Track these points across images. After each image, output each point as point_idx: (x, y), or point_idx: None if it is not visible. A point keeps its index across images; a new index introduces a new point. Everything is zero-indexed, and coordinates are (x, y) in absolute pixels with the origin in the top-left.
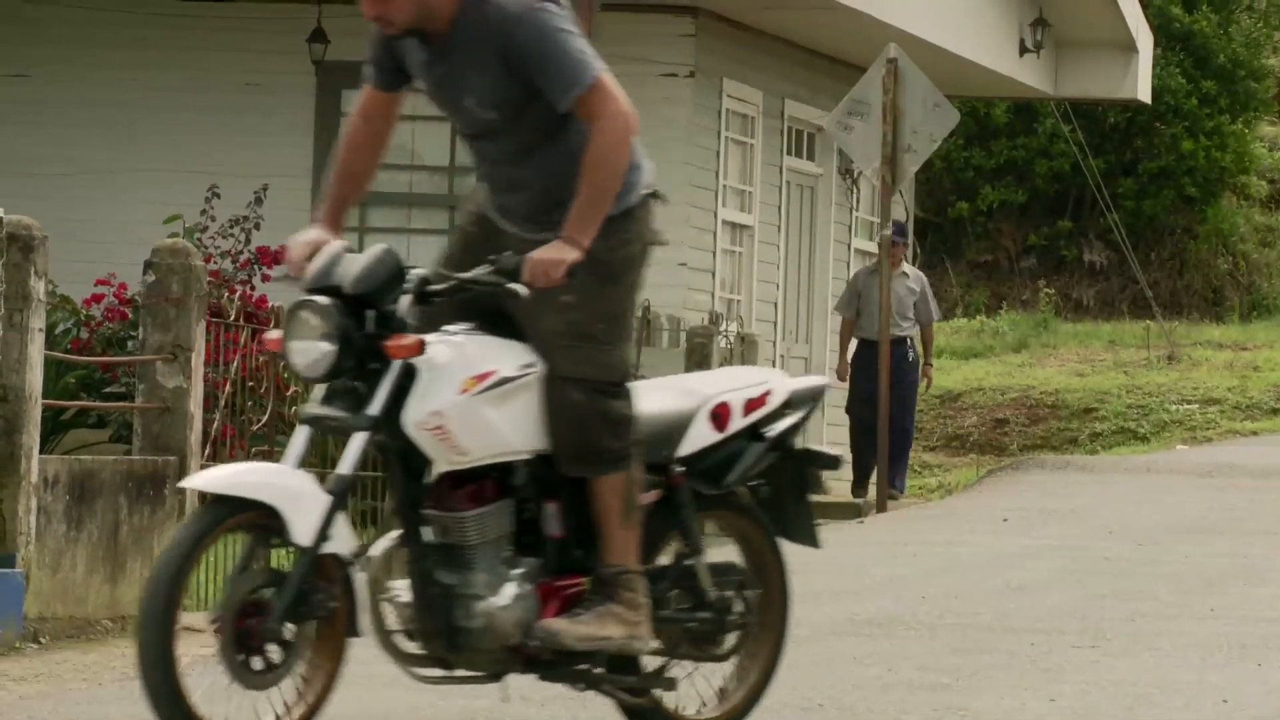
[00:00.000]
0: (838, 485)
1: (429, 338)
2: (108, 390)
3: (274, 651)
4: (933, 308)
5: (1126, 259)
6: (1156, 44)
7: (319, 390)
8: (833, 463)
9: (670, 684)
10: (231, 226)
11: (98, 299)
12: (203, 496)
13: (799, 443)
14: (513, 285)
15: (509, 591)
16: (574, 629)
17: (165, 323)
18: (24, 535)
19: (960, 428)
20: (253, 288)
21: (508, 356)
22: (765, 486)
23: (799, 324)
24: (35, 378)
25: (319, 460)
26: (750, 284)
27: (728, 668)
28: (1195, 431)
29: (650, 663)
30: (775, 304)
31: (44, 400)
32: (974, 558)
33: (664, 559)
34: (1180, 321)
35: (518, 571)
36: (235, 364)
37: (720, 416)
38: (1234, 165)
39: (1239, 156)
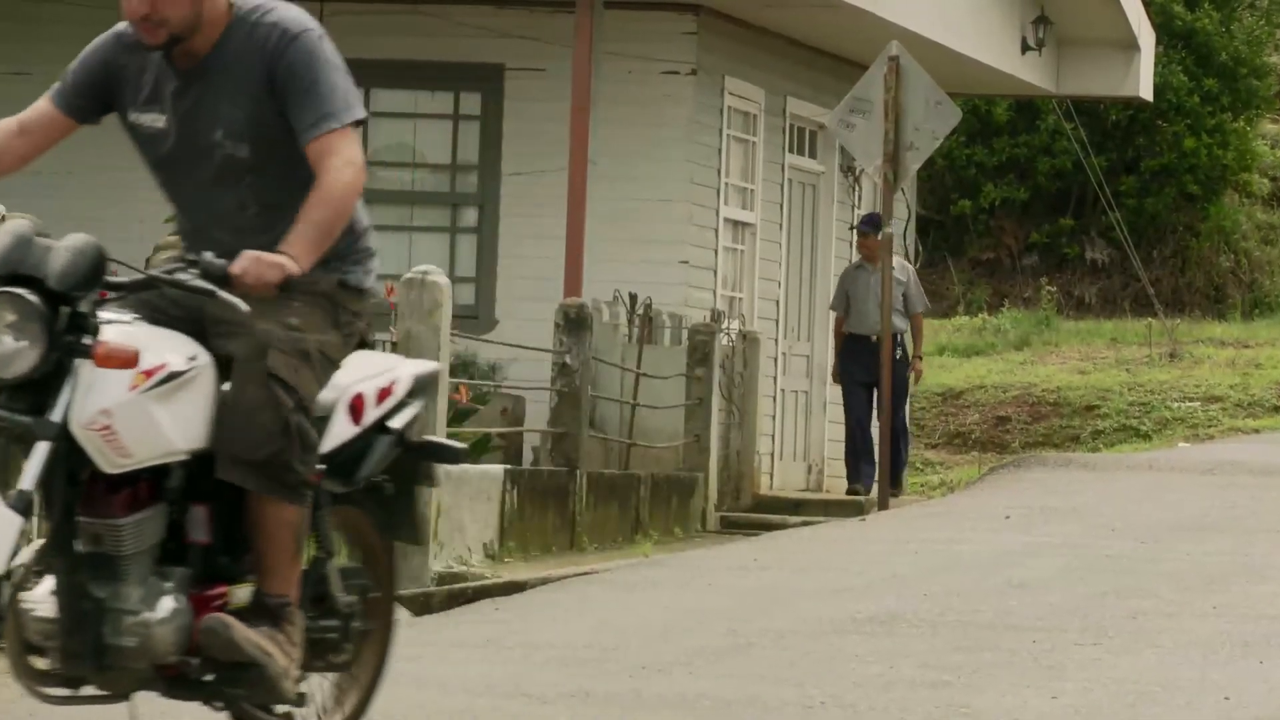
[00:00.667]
0: (837, 484)
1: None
2: None
3: None
4: (921, 298)
5: (1128, 256)
6: (1158, 41)
7: None
8: (456, 455)
9: (303, 700)
10: None
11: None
12: None
13: (419, 434)
14: (230, 297)
15: (166, 605)
16: (247, 631)
17: None
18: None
19: (962, 425)
20: None
21: (175, 347)
22: (389, 482)
23: (801, 322)
24: None
25: None
26: (752, 282)
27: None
28: (1197, 429)
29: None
30: (777, 302)
31: None
32: (976, 555)
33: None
34: (1182, 319)
35: (170, 584)
36: None
37: (356, 409)
38: (1236, 163)
39: (1241, 154)
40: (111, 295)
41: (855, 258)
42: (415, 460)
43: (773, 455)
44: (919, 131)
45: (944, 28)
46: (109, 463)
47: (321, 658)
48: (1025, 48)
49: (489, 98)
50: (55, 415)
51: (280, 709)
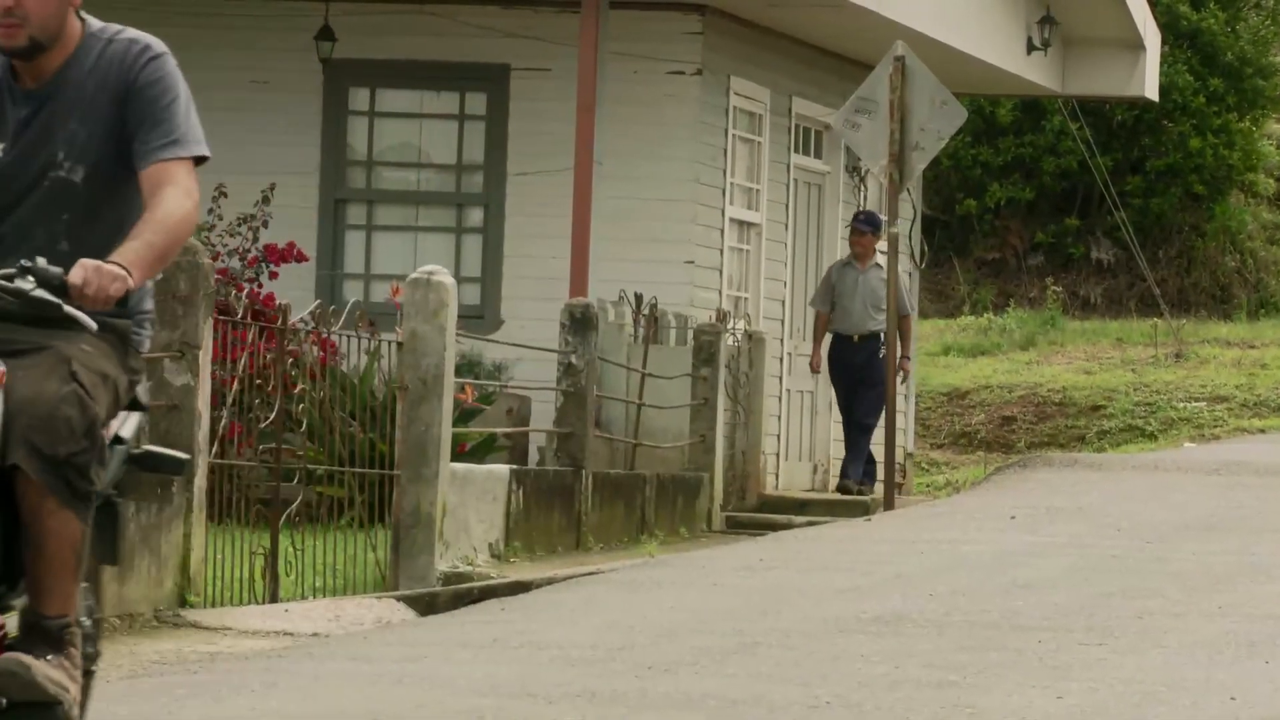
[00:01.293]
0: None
1: None
2: None
3: None
4: (909, 299)
5: (1134, 256)
6: (1164, 42)
7: None
8: (179, 466)
9: None
10: (239, 224)
11: None
12: None
13: (142, 443)
14: (77, 313)
15: None
16: (47, 669)
17: (173, 320)
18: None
19: (967, 425)
20: (260, 286)
21: None
22: (117, 494)
23: (806, 322)
24: None
25: None
26: (757, 282)
27: None
28: (1203, 429)
29: None
30: (782, 302)
31: None
32: (981, 555)
33: None
34: (1188, 319)
35: None
36: (243, 362)
37: None
38: (1241, 163)
39: (1246, 154)
40: None
41: (844, 254)
42: (137, 472)
43: (778, 455)
44: (924, 131)
45: (949, 27)
46: None
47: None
48: (1031, 47)
49: (494, 98)
50: None
51: None
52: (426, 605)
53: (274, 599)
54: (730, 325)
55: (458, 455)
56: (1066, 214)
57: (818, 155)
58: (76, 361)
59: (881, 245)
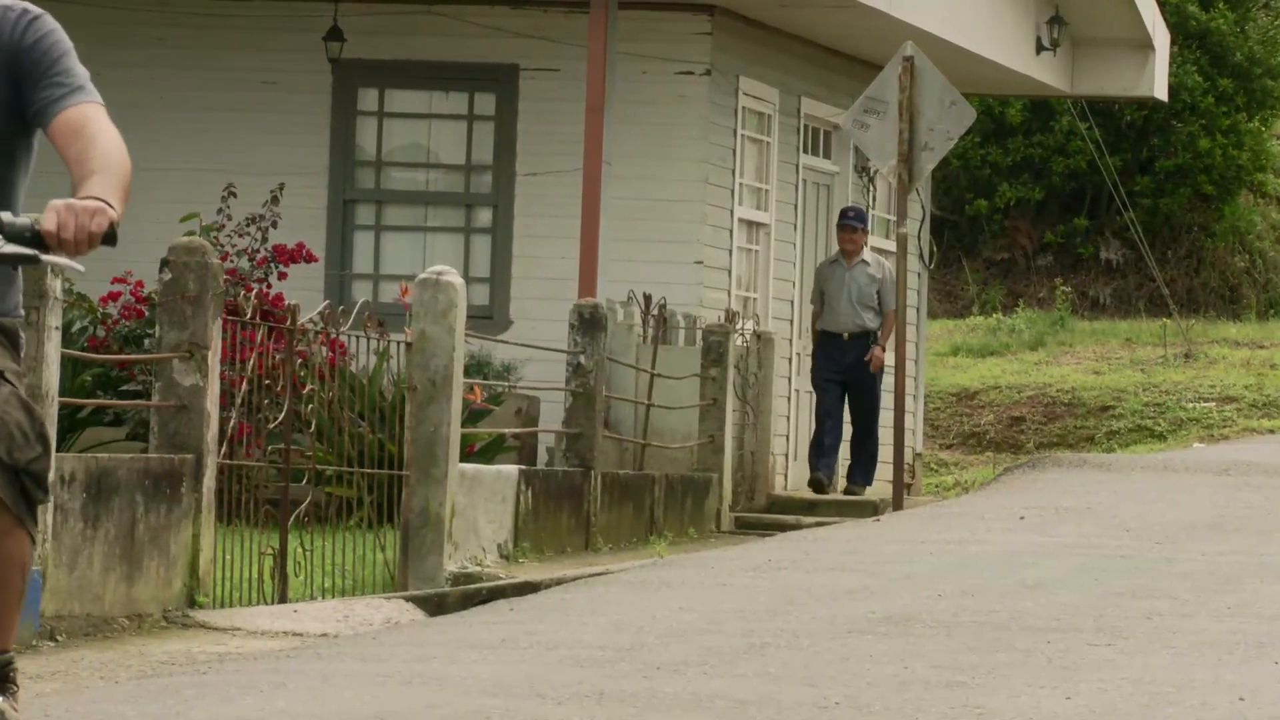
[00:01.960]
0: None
1: None
2: (124, 388)
3: None
4: (893, 296)
5: (1143, 257)
6: (1173, 42)
7: None
8: None
9: None
10: (248, 225)
11: (114, 297)
12: None
13: None
14: (62, 260)
15: None
16: (15, 715)
17: (182, 321)
18: (41, 533)
19: (977, 425)
20: (269, 286)
21: None
22: None
23: None
24: (52, 376)
25: None
26: (766, 282)
27: None
28: (1212, 429)
29: None
30: (791, 302)
31: (61, 398)
32: (990, 556)
33: None
34: (1197, 319)
35: None
36: (251, 362)
37: None
38: (1250, 163)
39: (1256, 154)
40: None
41: (832, 251)
42: None
43: (787, 456)
44: (933, 132)
45: (958, 28)
46: None
47: None
48: (1040, 48)
49: (503, 98)
50: None
51: None
52: (435, 606)
53: (283, 599)
54: (739, 326)
55: (466, 456)
56: (1075, 214)
57: (827, 155)
58: (7, 370)
59: (890, 244)
